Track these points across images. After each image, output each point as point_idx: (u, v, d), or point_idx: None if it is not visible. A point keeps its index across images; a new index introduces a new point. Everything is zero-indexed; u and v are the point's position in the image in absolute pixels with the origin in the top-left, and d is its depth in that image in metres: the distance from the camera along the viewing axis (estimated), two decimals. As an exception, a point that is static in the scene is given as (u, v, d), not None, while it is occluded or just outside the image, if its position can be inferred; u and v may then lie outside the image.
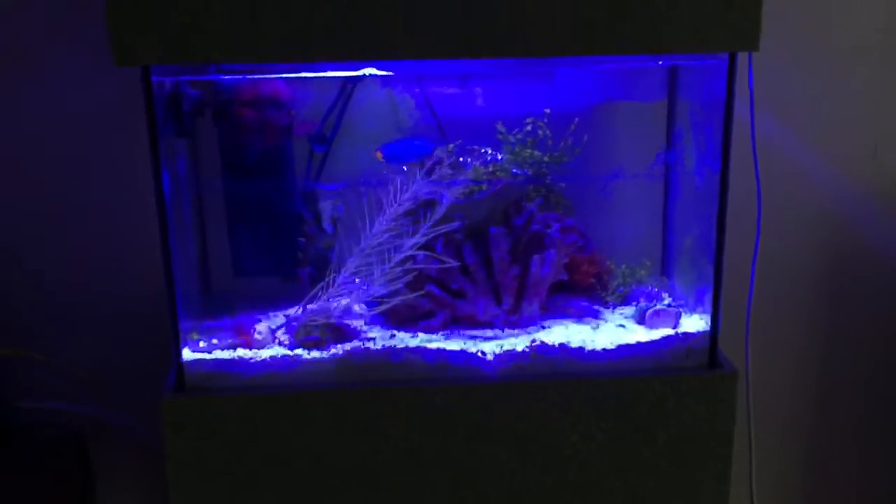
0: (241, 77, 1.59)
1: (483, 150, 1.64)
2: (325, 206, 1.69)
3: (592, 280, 1.71)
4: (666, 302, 1.69)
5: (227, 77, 1.58)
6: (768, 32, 1.41)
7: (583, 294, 1.71)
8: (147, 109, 1.38)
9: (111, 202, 1.78)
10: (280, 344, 1.57)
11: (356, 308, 1.61)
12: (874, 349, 2.02)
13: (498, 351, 1.54)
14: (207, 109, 1.63)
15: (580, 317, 1.67)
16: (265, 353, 1.53)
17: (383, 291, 1.56)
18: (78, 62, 1.70)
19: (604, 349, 1.55)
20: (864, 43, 1.82)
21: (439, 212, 1.56)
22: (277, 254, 1.70)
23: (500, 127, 1.66)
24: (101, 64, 1.65)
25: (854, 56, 1.83)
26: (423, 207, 1.56)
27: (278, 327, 1.59)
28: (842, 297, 1.98)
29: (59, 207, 1.79)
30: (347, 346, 1.54)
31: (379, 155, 1.59)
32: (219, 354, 1.52)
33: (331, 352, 1.53)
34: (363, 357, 1.52)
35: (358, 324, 1.62)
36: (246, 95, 1.60)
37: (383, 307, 1.58)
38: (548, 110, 1.65)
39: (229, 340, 1.56)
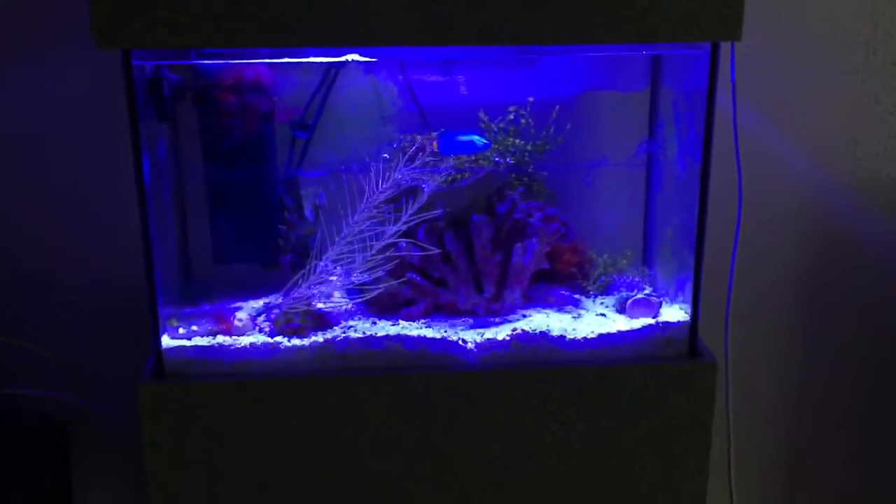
0: (222, 62, 1.58)
1: (466, 138, 1.64)
2: (307, 193, 1.69)
3: (574, 269, 1.71)
4: (647, 291, 1.69)
5: (208, 62, 1.57)
6: (751, 23, 1.42)
7: (564, 283, 1.71)
8: (127, 94, 1.36)
9: (90, 188, 1.76)
10: (260, 331, 1.57)
11: (337, 296, 1.60)
12: (854, 339, 2.03)
13: (479, 339, 1.54)
14: (189, 94, 1.61)
15: (561, 306, 1.67)
16: (245, 340, 1.52)
17: (365, 279, 1.56)
18: (58, 46, 1.69)
19: (584, 338, 1.55)
20: (846, 33, 1.83)
21: (421, 199, 1.55)
22: (259, 241, 1.69)
23: (482, 115, 1.65)
24: (81, 47, 1.64)
25: (836, 46, 1.83)
26: (406, 195, 1.56)
27: (259, 314, 1.59)
28: (822, 288, 1.99)
29: (38, 193, 1.77)
30: (328, 334, 1.54)
31: (435, 143, 1.59)
32: (198, 341, 1.51)
33: (311, 339, 1.53)
34: (344, 345, 1.52)
35: (339, 311, 1.62)
36: (228, 80, 1.59)
37: (364, 295, 1.58)
38: (531, 98, 1.65)
39: (209, 327, 1.56)
